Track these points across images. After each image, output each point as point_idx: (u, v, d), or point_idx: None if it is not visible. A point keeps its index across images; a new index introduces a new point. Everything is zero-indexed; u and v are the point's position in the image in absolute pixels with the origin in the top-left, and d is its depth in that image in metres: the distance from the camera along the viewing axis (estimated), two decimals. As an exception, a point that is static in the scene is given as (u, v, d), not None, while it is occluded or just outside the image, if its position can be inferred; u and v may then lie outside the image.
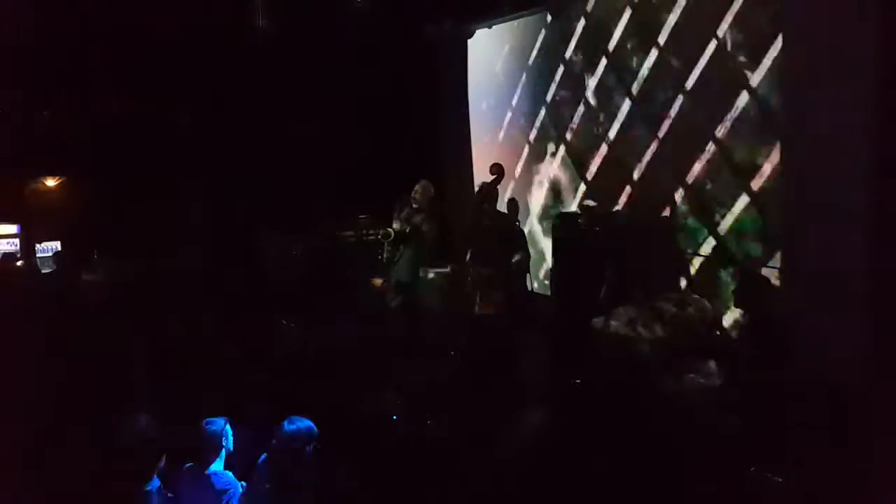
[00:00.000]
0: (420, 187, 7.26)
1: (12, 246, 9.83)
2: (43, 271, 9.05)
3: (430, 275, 7.27)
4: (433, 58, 9.64)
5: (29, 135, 9.16)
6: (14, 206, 9.68)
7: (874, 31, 4.59)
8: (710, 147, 6.51)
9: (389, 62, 9.21)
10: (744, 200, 6.23)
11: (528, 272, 7.44)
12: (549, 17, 8.25)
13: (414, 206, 7.24)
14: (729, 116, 6.29)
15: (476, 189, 7.18)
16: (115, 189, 9.34)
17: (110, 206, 9.34)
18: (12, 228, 9.89)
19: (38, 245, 9.80)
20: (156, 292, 7.63)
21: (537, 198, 8.64)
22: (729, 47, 6.31)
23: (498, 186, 6.86)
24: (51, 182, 10.16)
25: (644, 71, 7.13)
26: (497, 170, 6.79)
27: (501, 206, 7.43)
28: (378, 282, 7.48)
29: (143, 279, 8.07)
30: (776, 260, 5.83)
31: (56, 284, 8.29)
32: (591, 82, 7.79)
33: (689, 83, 6.68)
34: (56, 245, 9.79)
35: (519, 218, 7.69)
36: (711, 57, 6.48)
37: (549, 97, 8.47)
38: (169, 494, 3.71)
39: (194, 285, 8.07)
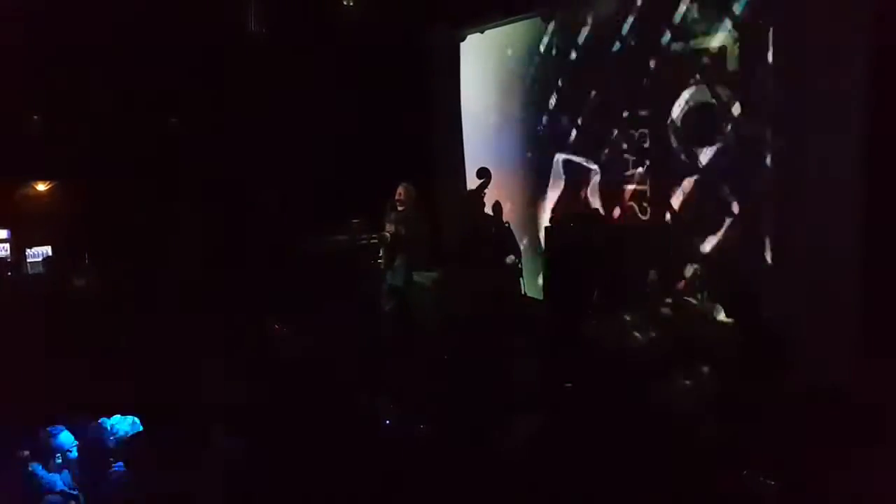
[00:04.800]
0: (402, 189, 7.27)
1: (2, 251, 9.77)
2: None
3: (422, 279, 7.26)
4: (425, 61, 9.63)
5: (19, 138, 9.10)
6: (4, 210, 9.63)
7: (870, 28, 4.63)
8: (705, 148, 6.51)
9: (381, 66, 9.20)
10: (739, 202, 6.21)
11: (521, 274, 7.43)
12: (541, 23, 8.22)
13: (399, 208, 7.25)
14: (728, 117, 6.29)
15: (463, 195, 7.18)
16: (107, 193, 9.29)
17: (102, 211, 9.30)
18: (2, 233, 9.82)
19: (28, 250, 9.74)
20: (146, 296, 7.61)
21: (539, 205, 8.62)
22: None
23: (486, 190, 6.86)
24: (41, 186, 10.11)
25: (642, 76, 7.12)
26: (484, 174, 6.79)
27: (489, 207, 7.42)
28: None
29: (134, 283, 8.04)
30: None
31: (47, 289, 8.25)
32: (588, 86, 7.78)
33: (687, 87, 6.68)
34: (46, 250, 9.73)
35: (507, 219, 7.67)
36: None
37: (545, 102, 8.45)
38: None
39: (185, 289, 8.04)
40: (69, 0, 8.34)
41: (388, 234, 7.27)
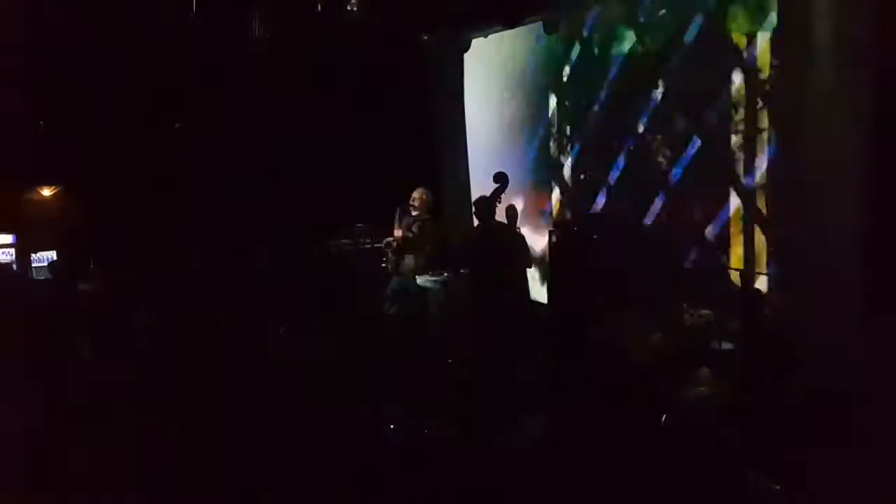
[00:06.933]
0: (418, 194, 7.32)
1: (8, 256, 9.81)
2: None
3: (431, 282, 7.26)
4: (429, 65, 9.65)
5: (24, 144, 9.13)
6: (9, 215, 9.66)
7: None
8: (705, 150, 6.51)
9: (385, 71, 9.21)
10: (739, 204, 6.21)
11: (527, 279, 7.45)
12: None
13: (413, 213, 7.30)
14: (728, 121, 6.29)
15: (476, 199, 7.19)
16: (111, 198, 9.32)
17: (106, 215, 9.32)
18: (8, 238, 9.86)
19: (33, 255, 9.77)
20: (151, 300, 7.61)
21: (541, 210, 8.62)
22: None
23: (502, 195, 6.87)
24: (46, 191, 10.14)
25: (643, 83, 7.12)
26: (500, 178, 6.78)
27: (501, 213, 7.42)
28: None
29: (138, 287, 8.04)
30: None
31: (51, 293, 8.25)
32: (592, 93, 7.78)
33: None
34: (52, 255, 9.77)
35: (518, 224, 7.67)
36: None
37: (549, 107, 8.45)
38: None
39: (191, 293, 8.05)
40: (72, 3, 8.40)
41: (399, 238, 7.32)
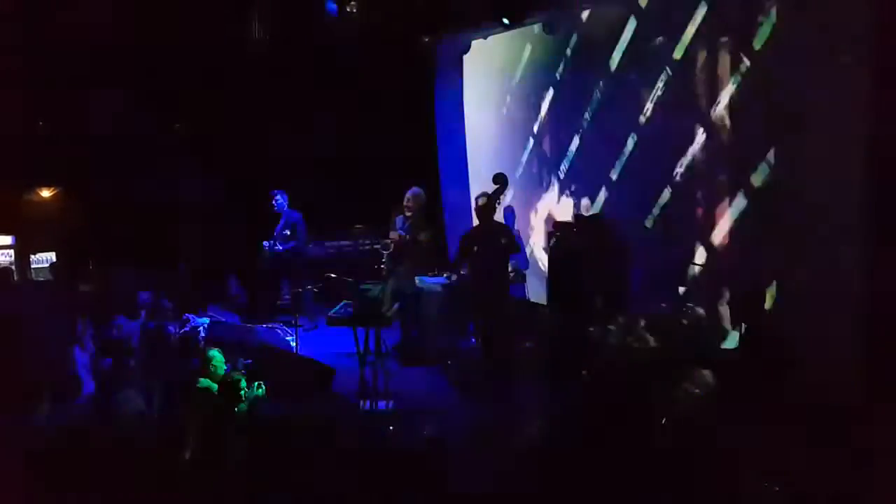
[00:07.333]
0: (412, 195, 7.33)
1: (7, 257, 9.82)
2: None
3: (428, 283, 7.26)
4: (428, 68, 9.65)
5: (24, 145, 9.14)
6: (9, 216, 9.67)
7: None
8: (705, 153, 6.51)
9: (385, 72, 9.22)
10: (739, 205, 6.21)
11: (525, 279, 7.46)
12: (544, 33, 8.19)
13: (408, 214, 7.31)
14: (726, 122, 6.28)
15: (476, 199, 7.19)
16: (110, 199, 9.33)
17: (105, 217, 9.33)
18: (7, 239, 9.87)
19: (32, 256, 9.79)
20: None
21: (539, 211, 8.61)
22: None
23: (502, 196, 6.88)
24: (46, 192, 10.15)
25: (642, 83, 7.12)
26: (500, 179, 6.79)
27: (499, 214, 7.44)
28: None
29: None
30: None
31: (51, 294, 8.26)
32: (589, 96, 7.78)
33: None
34: (51, 256, 9.78)
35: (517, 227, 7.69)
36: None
37: (547, 111, 8.45)
38: None
39: (192, 294, 8.06)
40: (71, 5, 8.40)
41: (394, 239, 7.33)
